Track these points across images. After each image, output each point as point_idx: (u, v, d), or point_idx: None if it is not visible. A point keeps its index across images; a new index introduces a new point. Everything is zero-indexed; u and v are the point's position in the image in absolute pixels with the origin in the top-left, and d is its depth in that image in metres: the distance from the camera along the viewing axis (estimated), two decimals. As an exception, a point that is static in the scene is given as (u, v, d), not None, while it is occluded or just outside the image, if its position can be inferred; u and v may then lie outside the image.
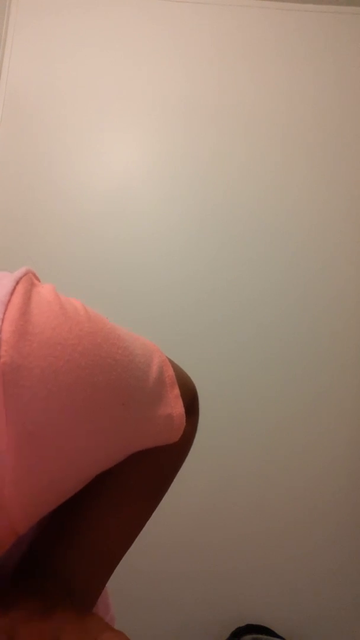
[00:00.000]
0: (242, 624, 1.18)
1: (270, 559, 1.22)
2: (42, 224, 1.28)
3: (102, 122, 1.31)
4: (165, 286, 1.27)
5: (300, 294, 1.26)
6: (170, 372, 0.38)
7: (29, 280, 0.28)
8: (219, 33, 1.31)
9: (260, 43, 1.31)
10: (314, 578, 1.21)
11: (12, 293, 0.25)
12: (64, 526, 0.36)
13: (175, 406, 0.37)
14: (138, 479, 0.39)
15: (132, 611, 1.19)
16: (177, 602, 1.21)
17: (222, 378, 1.24)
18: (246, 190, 1.28)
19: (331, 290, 1.26)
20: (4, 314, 0.24)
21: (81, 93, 1.31)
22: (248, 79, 1.30)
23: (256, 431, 1.24)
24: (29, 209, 1.29)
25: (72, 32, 1.32)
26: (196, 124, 1.30)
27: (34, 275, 0.30)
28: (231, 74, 1.31)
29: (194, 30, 1.31)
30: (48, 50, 1.32)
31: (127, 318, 1.19)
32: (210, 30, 1.32)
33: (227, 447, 1.24)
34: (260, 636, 1.14)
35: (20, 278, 0.27)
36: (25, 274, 0.28)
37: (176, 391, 0.38)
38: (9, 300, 0.25)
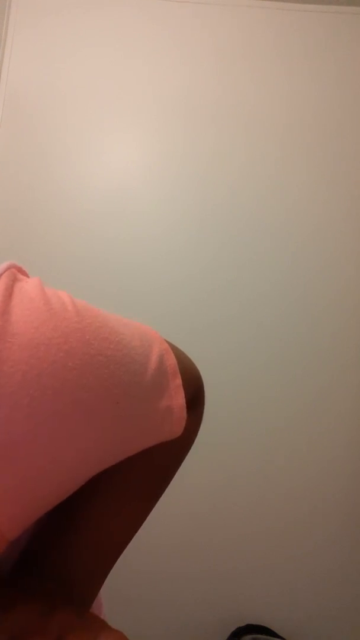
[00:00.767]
0: (242, 624, 1.18)
1: (270, 559, 1.22)
2: (42, 224, 1.28)
3: (102, 122, 1.31)
4: (165, 286, 1.27)
5: (301, 294, 1.26)
6: (172, 361, 0.36)
7: (11, 276, 0.26)
8: (219, 33, 1.31)
9: (260, 43, 1.31)
10: (314, 578, 1.21)
11: None
12: (61, 525, 0.36)
13: (176, 397, 0.35)
14: (137, 476, 0.38)
15: (132, 611, 1.19)
16: (177, 602, 1.21)
17: (222, 378, 1.24)
18: (246, 190, 1.28)
19: (331, 290, 1.26)
20: None
21: (81, 93, 1.31)
22: (248, 79, 1.30)
23: (256, 431, 1.24)
24: (29, 208, 1.29)
25: (72, 32, 1.32)
26: (196, 124, 1.30)
27: (19, 270, 0.28)
28: (231, 74, 1.31)
29: (194, 30, 1.31)
30: (48, 50, 1.32)
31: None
32: (210, 30, 1.31)
33: (227, 447, 1.24)
34: (260, 636, 1.14)
35: (1, 275, 0.25)
36: (6, 270, 0.26)
37: (178, 381, 0.36)
38: None
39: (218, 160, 1.29)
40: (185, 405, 0.36)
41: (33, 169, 1.30)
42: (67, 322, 0.25)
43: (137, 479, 0.38)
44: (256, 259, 1.27)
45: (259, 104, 1.30)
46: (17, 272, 0.27)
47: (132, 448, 0.34)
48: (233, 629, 1.17)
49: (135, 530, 0.39)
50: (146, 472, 0.39)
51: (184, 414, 0.36)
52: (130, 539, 0.39)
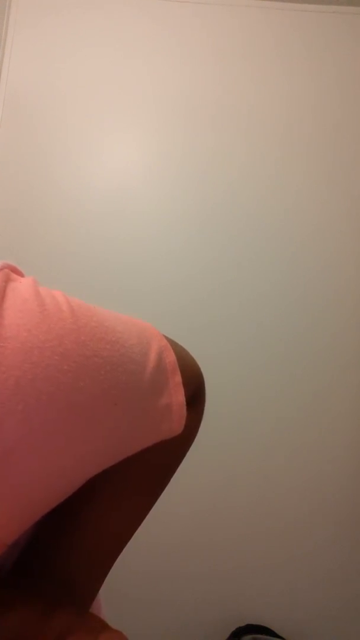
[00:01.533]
0: (242, 624, 1.18)
1: (270, 559, 1.22)
2: (42, 224, 1.28)
3: (102, 122, 1.31)
4: (165, 286, 1.27)
5: (300, 294, 1.26)
6: (171, 358, 0.35)
7: (4, 277, 0.25)
8: (219, 33, 1.31)
9: (260, 43, 1.31)
10: (314, 578, 1.21)
11: None
12: (60, 526, 0.36)
13: (176, 394, 0.35)
14: (136, 475, 0.38)
15: (132, 611, 1.19)
16: (177, 602, 1.21)
17: (222, 378, 1.24)
18: (246, 190, 1.28)
19: (331, 290, 1.26)
20: None
21: (81, 93, 1.31)
22: (248, 79, 1.30)
23: (256, 431, 1.24)
24: (29, 208, 1.29)
25: (72, 32, 1.32)
26: (196, 124, 1.30)
27: (13, 269, 0.28)
28: (231, 74, 1.30)
29: (194, 30, 1.31)
30: (48, 50, 1.32)
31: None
32: (210, 30, 1.31)
33: (227, 447, 1.24)
34: (260, 636, 1.14)
35: None
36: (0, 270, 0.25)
37: (177, 378, 0.35)
38: None
39: (218, 160, 1.29)
40: (185, 402, 0.36)
41: (33, 169, 1.30)
42: (62, 324, 0.25)
43: (136, 478, 0.38)
44: (256, 259, 1.27)
45: (258, 104, 1.30)
46: (10, 272, 0.27)
47: (130, 448, 0.33)
48: (233, 629, 1.17)
49: (134, 530, 0.39)
50: (145, 471, 0.39)
51: (183, 411, 0.36)
52: (129, 539, 0.39)
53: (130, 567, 0.97)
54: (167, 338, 0.37)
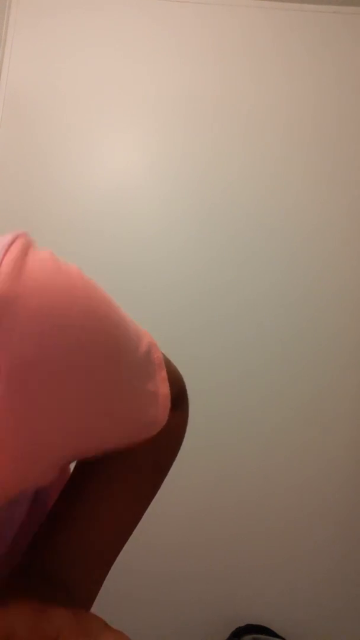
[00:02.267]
0: (242, 624, 1.18)
1: (270, 559, 1.22)
2: (42, 223, 1.28)
3: (102, 122, 1.31)
4: (165, 286, 1.27)
5: (300, 294, 1.26)
6: (158, 354, 0.37)
7: (26, 240, 0.28)
8: (219, 33, 1.31)
9: (260, 43, 1.31)
10: (314, 578, 1.21)
11: (11, 243, 0.26)
12: (57, 526, 0.36)
13: (162, 386, 0.36)
14: (128, 473, 0.39)
15: (132, 611, 1.18)
16: (177, 602, 1.21)
17: (222, 378, 1.24)
18: (246, 190, 1.28)
19: (331, 290, 1.26)
20: (5, 254, 0.24)
21: (81, 93, 1.31)
22: (248, 79, 1.30)
23: (256, 431, 1.24)
24: (28, 208, 1.29)
25: (72, 32, 1.32)
26: (196, 124, 1.30)
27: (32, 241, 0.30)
28: (231, 74, 1.30)
29: (194, 30, 1.31)
30: (48, 50, 1.32)
31: (127, 318, 1.19)
32: (210, 30, 1.31)
33: (226, 447, 1.24)
34: (260, 636, 1.14)
35: (18, 235, 0.27)
36: (22, 234, 0.28)
37: (164, 373, 0.37)
38: (12, 242, 0.26)
39: (218, 160, 1.29)
40: (169, 395, 0.37)
41: (33, 169, 1.30)
42: (74, 282, 0.27)
43: (127, 477, 0.39)
44: (256, 259, 1.27)
45: (258, 104, 1.30)
46: (32, 241, 0.29)
47: (119, 429, 0.33)
48: (233, 629, 1.17)
49: (132, 529, 0.39)
50: (137, 470, 0.39)
51: (168, 403, 0.36)
52: (127, 538, 0.39)
53: (130, 567, 0.97)
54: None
